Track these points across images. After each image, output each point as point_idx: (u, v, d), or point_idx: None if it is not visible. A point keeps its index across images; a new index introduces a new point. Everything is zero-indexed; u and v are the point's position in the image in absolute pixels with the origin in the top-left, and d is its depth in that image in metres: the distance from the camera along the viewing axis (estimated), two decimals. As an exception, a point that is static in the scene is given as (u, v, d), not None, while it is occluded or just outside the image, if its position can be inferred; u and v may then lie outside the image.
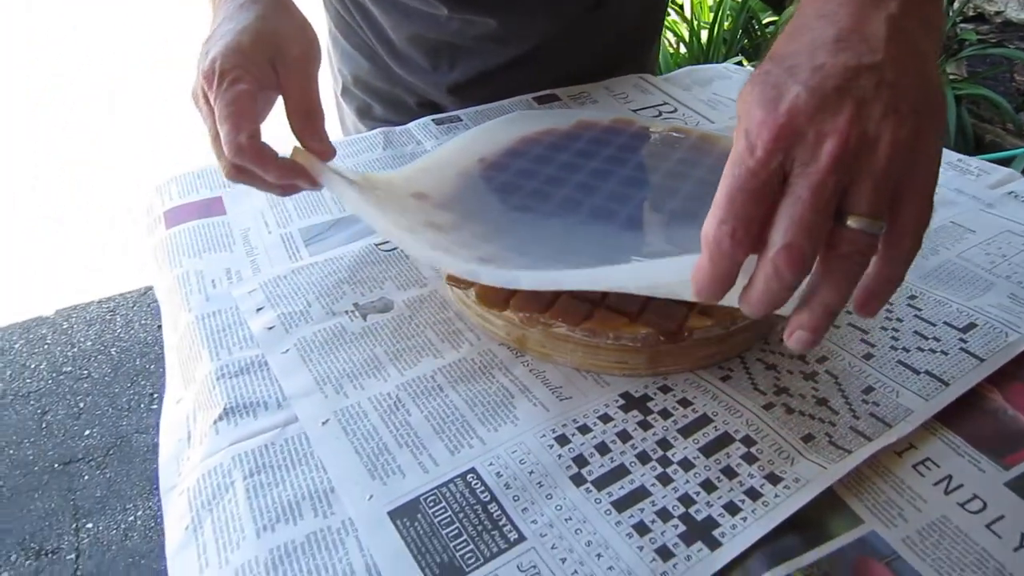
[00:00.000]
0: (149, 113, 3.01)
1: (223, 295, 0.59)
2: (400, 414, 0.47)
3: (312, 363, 0.51)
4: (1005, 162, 1.83)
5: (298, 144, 0.56)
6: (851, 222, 0.32)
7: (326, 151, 0.56)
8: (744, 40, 2.32)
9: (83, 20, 3.76)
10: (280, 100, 0.57)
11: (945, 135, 0.68)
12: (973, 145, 2.12)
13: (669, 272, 0.41)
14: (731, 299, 0.35)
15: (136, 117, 3.02)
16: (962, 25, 2.21)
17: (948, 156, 0.73)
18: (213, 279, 0.61)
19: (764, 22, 2.34)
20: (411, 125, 0.82)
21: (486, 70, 0.87)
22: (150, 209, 0.73)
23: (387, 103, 0.94)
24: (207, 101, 0.52)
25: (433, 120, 0.83)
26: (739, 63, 2.18)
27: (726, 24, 2.28)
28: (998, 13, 2.13)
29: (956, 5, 2.18)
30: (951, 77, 2.18)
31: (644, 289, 0.44)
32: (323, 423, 0.47)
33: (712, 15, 2.29)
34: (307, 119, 0.56)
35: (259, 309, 0.57)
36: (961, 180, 0.68)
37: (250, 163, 0.52)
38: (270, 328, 0.55)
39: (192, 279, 0.61)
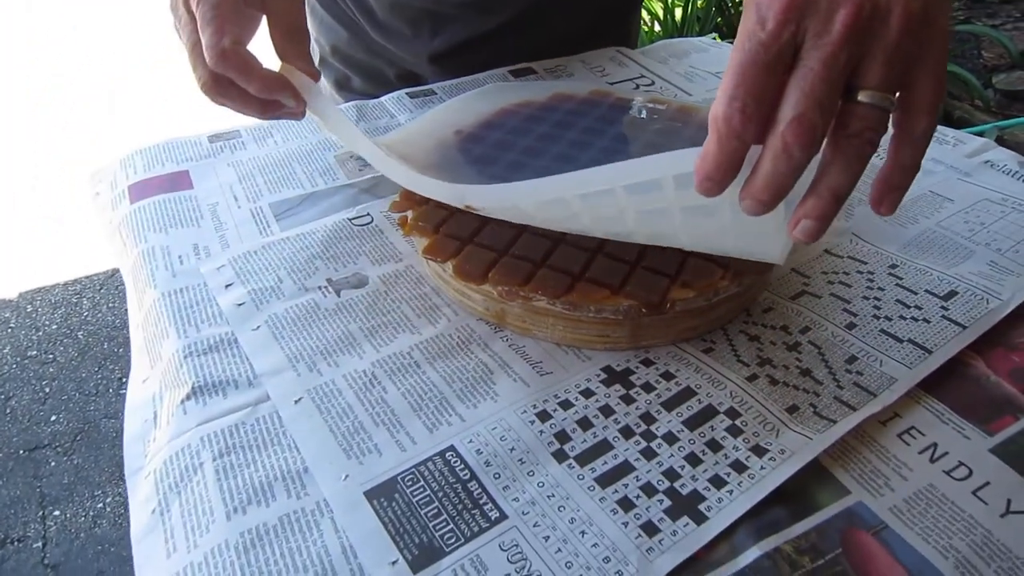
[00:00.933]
0: (149, 113, 2.93)
1: (190, 271, 0.57)
2: (376, 391, 0.45)
3: (284, 340, 0.49)
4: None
5: (283, 64, 0.54)
6: (862, 96, 0.31)
7: (311, 73, 0.53)
8: (718, 18, 2.31)
9: (83, 20, 3.65)
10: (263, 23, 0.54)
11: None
12: (943, 120, 2.13)
13: (661, 166, 0.37)
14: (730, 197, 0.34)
15: (136, 117, 2.94)
16: (932, 1, 2.22)
17: (926, 127, 0.72)
18: (180, 255, 0.59)
19: (737, 0, 2.33)
20: (385, 99, 0.80)
21: (468, 38, 0.85)
22: (114, 183, 0.70)
23: (366, 74, 0.92)
24: (187, 7, 0.49)
25: (407, 93, 0.81)
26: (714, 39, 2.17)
27: (699, 2, 2.27)
28: (967, -11, 2.14)
29: (926, -19, 2.18)
30: (921, 53, 2.19)
31: (632, 200, 0.41)
32: (296, 401, 0.45)
33: (686, -8, 2.28)
34: (291, 38, 0.53)
35: (228, 285, 0.55)
36: (938, 150, 0.68)
37: (233, 71, 0.48)
38: (240, 304, 0.53)
39: (158, 255, 0.59)
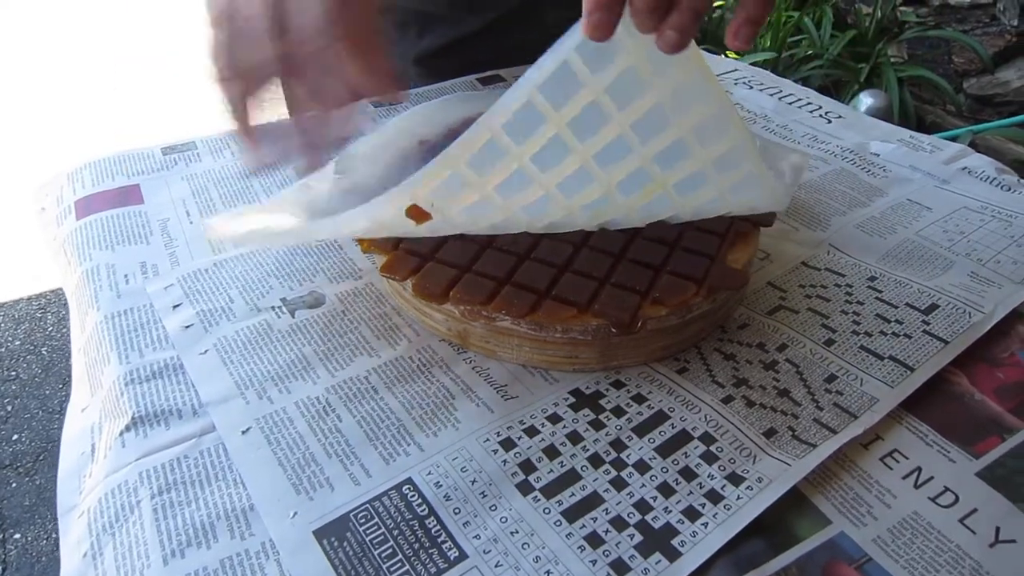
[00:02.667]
0: (111, 122, 2.86)
1: (136, 291, 0.53)
2: (330, 420, 0.42)
3: (233, 365, 0.46)
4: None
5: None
6: None
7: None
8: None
9: (42, 23, 3.56)
10: None
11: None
12: (916, 125, 2.14)
13: (562, 50, 0.34)
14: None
15: (98, 125, 2.87)
16: (902, 8, 2.23)
17: (900, 133, 0.71)
18: (126, 274, 0.55)
19: (715, 5, 2.33)
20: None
21: (456, 39, 0.83)
22: (60, 198, 0.67)
23: None
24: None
25: (371, 102, 0.78)
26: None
27: None
28: (937, -5, 2.15)
29: (897, -13, 2.20)
30: (892, 59, 2.20)
31: (609, 172, 0.39)
32: (243, 432, 0.42)
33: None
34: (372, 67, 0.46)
35: (176, 306, 0.52)
36: (915, 156, 0.66)
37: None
38: (187, 327, 0.50)
39: (102, 274, 0.55)
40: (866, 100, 2.06)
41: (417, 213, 0.38)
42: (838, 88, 2.15)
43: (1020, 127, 1.94)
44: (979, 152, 0.68)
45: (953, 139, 1.83)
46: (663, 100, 0.36)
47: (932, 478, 0.39)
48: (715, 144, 0.38)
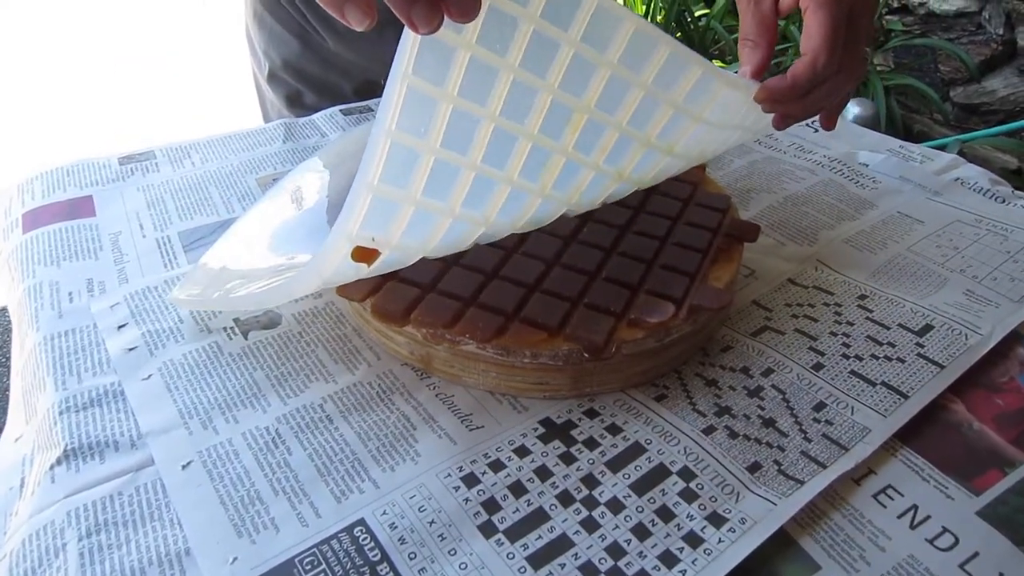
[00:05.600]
0: (78, 129, 2.80)
1: (80, 310, 0.50)
2: (279, 453, 0.39)
3: (178, 392, 0.43)
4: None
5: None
6: None
7: None
8: (678, 33, 2.29)
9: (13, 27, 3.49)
10: None
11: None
12: (903, 134, 2.13)
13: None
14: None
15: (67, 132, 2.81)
16: (888, 17, 2.22)
17: (889, 142, 0.68)
18: (71, 292, 0.52)
19: (697, 14, 2.31)
20: (316, 116, 0.74)
21: None
22: (8, 210, 0.63)
23: (319, 89, 0.86)
24: None
25: (341, 110, 0.75)
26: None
27: (659, 17, 2.24)
28: (921, 4, 2.14)
29: (883, -4, 2.19)
30: (879, 68, 2.18)
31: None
32: (184, 466, 0.39)
33: (645, 8, 2.25)
34: None
35: (121, 327, 0.48)
36: (905, 167, 0.64)
37: None
38: (131, 349, 0.46)
39: (45, 292, 0.52)
40: (853, 109, 2.05)
41: (362, 254, 0.34)
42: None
43: (1008, 136, 1.93)
44: (966, 160, 0.65)
45: (941, 148, 1.82)
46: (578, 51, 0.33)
47: (929, 517, 0.36)
48: (676, 81, 0.36)
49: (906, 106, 2.21)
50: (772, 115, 0.45)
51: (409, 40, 0.30)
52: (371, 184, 0.32)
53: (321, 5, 0.30)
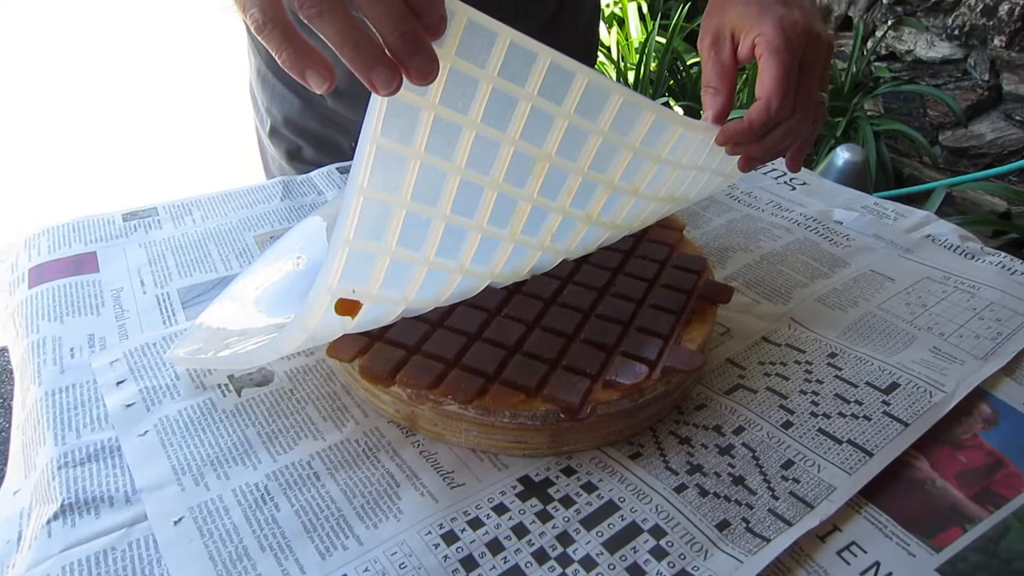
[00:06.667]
0: (81, 184, 2.85)
1: (81, 366, 0.52)
2: (267, 509, 0.41)
3: (172, 448, 0.45)
4: (925, 195, 1.87)
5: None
6: None
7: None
8: (670, 80, 2.34)
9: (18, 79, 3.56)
10: None
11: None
12: (893, 179, 2.16)
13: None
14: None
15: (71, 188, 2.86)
16: (876, 63, 2.28)
17: (865, 200, 0.71)
18: (73, 347, 0.54)
19: (688, 63, 2.37)
20: (313, 174, 0.77)
21: None
22: (15, 264, 0.65)
23: (318, 145, 0.89)
24: None
25: (338, 168, 0.78)
26: (666, 103, 2.19)
27: (652, 65, 2.30)
28: (908, 52, 2.20)
29: (870, 44, 2.24)
30: (869, 113, 2.23)
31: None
32: (175, 522, 0.40)
33: (638, 57, 2.30)
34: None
35: (120, 382, 0.50)
36: (878, 225, 0.66)
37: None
38: (129, 405, 0.48)
39: (48, 347, 0.54)
40: (843, 154, 2.08)
41: (345, 307, 0.36)
42: (815, 142, 2.18)
43: (997, 179, 1.96)
44: (957, 204, 0.67)
45: (929, 192, 1.85)
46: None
47: (891, 574, 0.37)
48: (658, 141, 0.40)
49: (896, 150, 2.26)
50: (737, 158, 0.48)
51: (377, 103, 0.33)
52: (346, 240, 0.34)
53: (285, 70, 0.32)
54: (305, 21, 0.31)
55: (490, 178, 0.37)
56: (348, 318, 0.37)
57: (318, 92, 0.33)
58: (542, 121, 0.37)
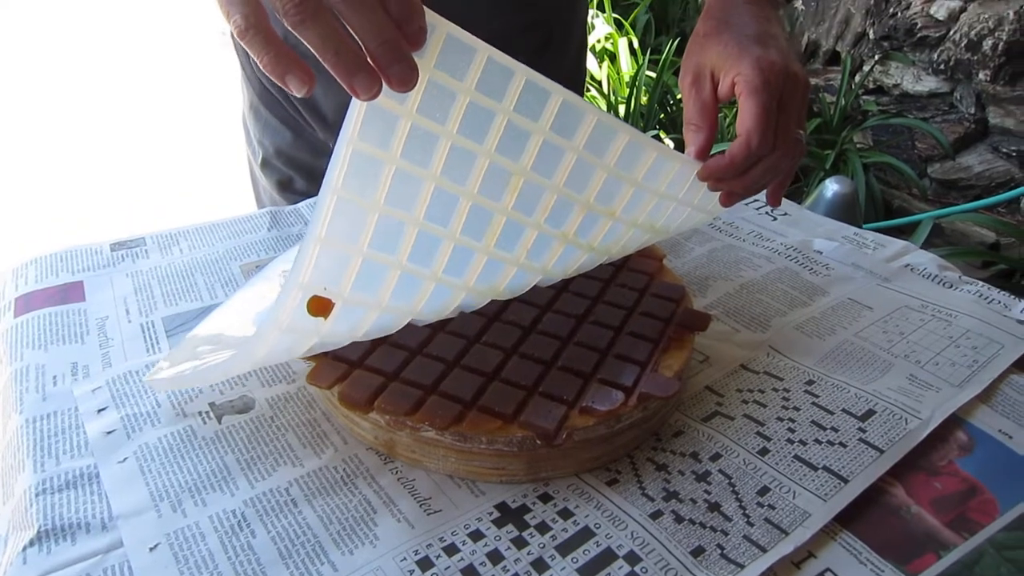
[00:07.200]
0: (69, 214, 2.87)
1: (63, 394, 0.52)
2: (243, 536, 0.41)
3: (151, 474, 0.45)
4: (913, 226, 1.89)
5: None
6: None
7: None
8: (661, 114, 2.37)
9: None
10: None
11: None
12: (883, 210, 2.19)
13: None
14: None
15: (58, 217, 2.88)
16: (864, 97, 2.31)
17: (845, 230, 0.72)
18: (55, 375, 0.54)
19: (679, 97, 2.40)
20: (300, 204, 0.78)
21: None
22: (1, 294, 0.66)
23: (309, 176, 0.91)
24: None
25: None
26: (657, 136, 2.22)
27: (643, 99, 2.33)
28: (896, 85, 2.23)
29: (857, 78, 2.28)
30: (858, 146, 2.26)
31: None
32: (151, 549, 0.40)
33: (628, 90, 2.34)
34: None
35: (101, 410, 0.50)
36: (858, 254, 0.67)
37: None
38: (109, 432, 0.48)
39: (31, 375, 0.54)
40: (832, 186, 2.10)
41: (317, 304, 0.37)
42: (805, 174, 2.20)
43: (986, 211, 1.98)
44: (946, 235, 0.68)
45: (916, 224, 1.87)
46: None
47: (863, 601, 0.37)
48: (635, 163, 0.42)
49: (886, 182, 2.28)
50: (719, 193, 0.49)
51: (356, 107, 0.34)
52: (318, 237, 0.35)
53: (267, 74, 0.34)
54: (290, 28, 0.33)
55: (465, 188, 0.38)
56: (321, 319, 0.37)
57: (298, 95, 0.35)
58: (518, 137, 0.38)
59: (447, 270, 0.40)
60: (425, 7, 0.34)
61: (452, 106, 0.36)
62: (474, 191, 0.39)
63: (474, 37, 0.35)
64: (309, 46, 0.33)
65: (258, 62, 0.34)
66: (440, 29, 0.34)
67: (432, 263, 0.40)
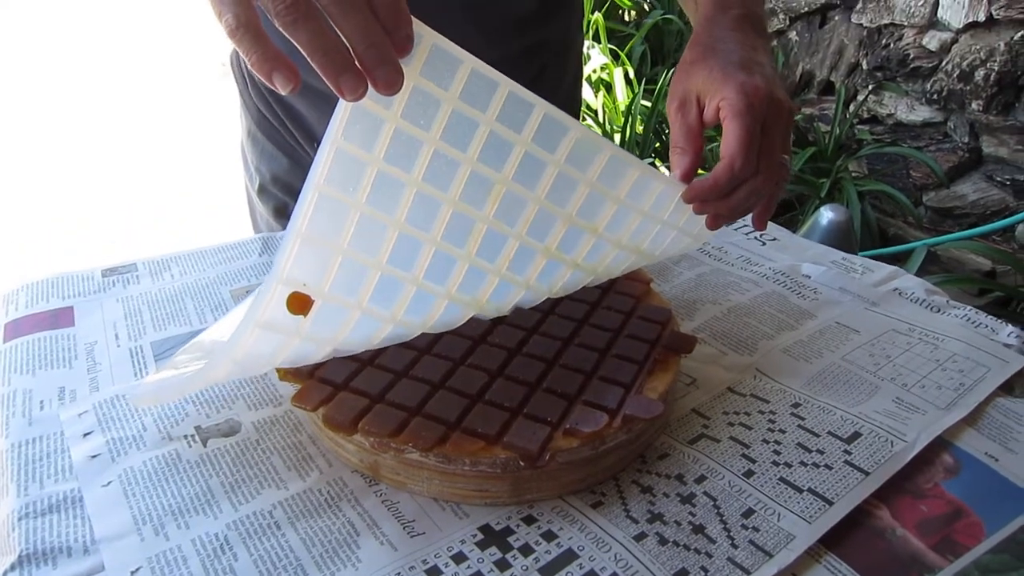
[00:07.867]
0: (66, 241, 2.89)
1: (49, 418, 0.52)
2: (225, 559, 0.41)
3: (135, 498, 0.45)
4: (908, 253, 1.90)
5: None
6: None
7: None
8: (656, 143, 2.39)
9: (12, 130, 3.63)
10: None
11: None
12: (878, 238, 2.19)
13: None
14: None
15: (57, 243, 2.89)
16: (859, 126, 2.33)
17: (833, 255, 0.72)
18: (43, 400, 0.54)
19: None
20: (292, 228, 0.78)
21: None
22: (-7, 320, 0.66)
23: None
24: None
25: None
26: (652, 163, 2.24)
27: (638, 128, 2.35)
28: (889, 115, 2.25)
29: (852, 108, 2.30)
30: (853, 174, 2.27)
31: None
32: (133, 572, 0.40)
33: (624, 119, 2.36)
34: None
35: (87, 434, 0.50)
36: (845, 279, 0.67)
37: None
38: (94, 456, 0.48)
39: (18, 400, 0.54)
40: (827, 214, 2.11)
41: (297, 303, 0.37)
42: (800, 202, 2.22)
43: (982, 239, 1.99)
44: (943, 263, 0.69)
45: (911, 251, 1.87)
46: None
47: (848, 623, 0.37)
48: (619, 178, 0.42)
49: (881, 210, 2.29)
50: (705, 217, 0.50)
51: (341, 108, 0.35)
52: (299, 231, 0.36)
53: (253, 71, 0.34)
54: (280, 28, 0.34)
55: (447, 195, 0.39)
56: (301, 317, 0.38)
57: (284, 93, 0.36)
58: (501, 147, 0.39)
59: (428, 275, 0.41)
60: (413, 17, 0.35)
61: (436, 113, 0.37)
62: (455, 198, 0.39)
63: (460, 48, 0.36)
64: (298, 46, 0.34)
65: (246, 60, 0.35)
66: (427, 39, 0.35)
67: (413, 267, 0.40)
